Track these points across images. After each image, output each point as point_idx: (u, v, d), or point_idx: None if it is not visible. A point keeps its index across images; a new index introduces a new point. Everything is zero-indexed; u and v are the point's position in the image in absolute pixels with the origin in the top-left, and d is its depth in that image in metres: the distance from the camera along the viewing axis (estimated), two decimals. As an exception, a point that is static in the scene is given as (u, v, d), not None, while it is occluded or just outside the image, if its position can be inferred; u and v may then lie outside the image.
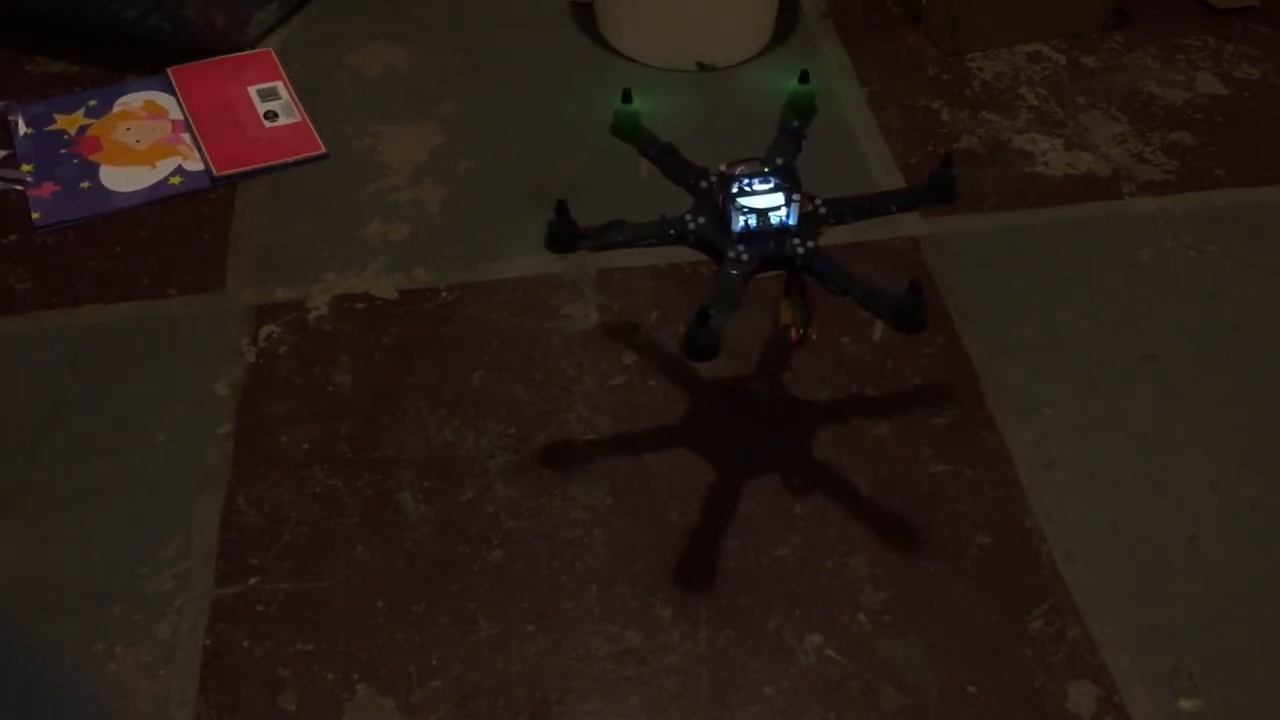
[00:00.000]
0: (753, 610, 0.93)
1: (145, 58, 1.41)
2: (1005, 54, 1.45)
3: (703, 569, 0.95)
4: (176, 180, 1.28)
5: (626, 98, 0.97)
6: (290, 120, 1.34)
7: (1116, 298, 1.17)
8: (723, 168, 0.93)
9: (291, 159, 1.30)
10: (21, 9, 1.43)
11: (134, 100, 1.37)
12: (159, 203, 1.25)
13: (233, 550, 0.96)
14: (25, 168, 1.28)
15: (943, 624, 0.92)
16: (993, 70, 1.43)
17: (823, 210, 0.92)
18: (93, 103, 1.36)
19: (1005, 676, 0.89)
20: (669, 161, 0.97)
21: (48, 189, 1.26)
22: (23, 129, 1.32)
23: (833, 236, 1.11)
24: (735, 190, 0.90)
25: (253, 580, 0.94)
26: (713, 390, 1.08)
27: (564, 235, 0.90)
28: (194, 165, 1.29)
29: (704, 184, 0.93)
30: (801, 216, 0.90)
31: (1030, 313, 1.15)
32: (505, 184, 1.28)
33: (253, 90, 1.37)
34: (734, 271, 0.88)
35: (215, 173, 1.28)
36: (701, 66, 1.42)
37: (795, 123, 0.98)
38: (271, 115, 1.35)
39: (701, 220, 0.91)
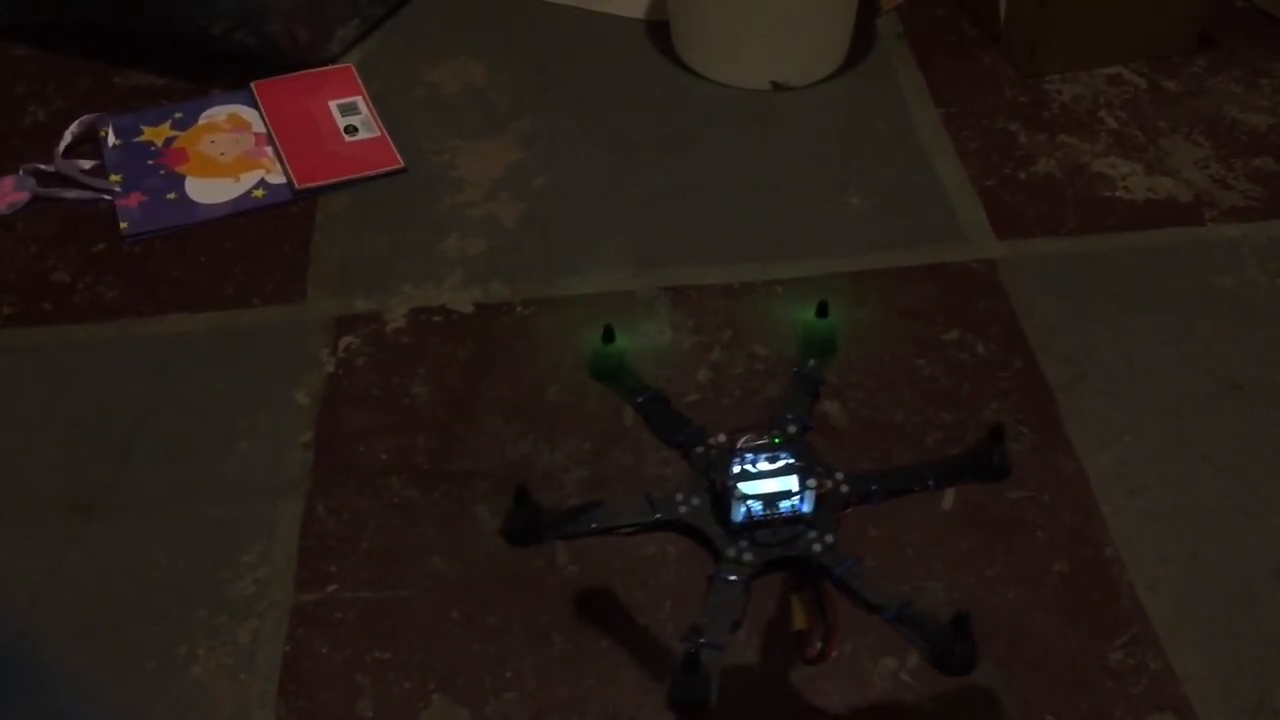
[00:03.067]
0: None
1: (230, 72, 1.44)
2: (1085, 76, 1.44)
3: (776, 589, 0.95)
4: (259, 193, 1.30)
5: (608, 336, 0.83)
6: (370, 135, 1.36)
7: (1199, 325, 1.15)
8: (722, 438, 0.78)
9: (371, 173, 1.32)
10: (112, 24, 1.47)
11: (219, 113, 1.40)
12: (242, 215, 1.28)
13: (312, 557, 0.97)
14: (114, 178, 1.31)
15: (1021, 652, 0.91)
16: (1072, 93, 1.42)
17: (845, 489, 0.78)
18: (179, 115, 1.40)
19: (1084, 708, 0.88)
20: (658, 415, 0.83)
21: (135, 199, 1.29)
22: (112, 140, 1.36)
23: (900, 257, 1.08)
24: (736, 470, 0.75)
25: (331, 587, 0.95)
26: (786, 410, 1.08)
27: (526, 527, 0.76)
28: (276, 178, 1.32)
29: (699, 449, 0.79)
30: (818, 501, 0.75)
31: (1109, 338, 1.14)
32: (581, 201, 1.29)
33: (333, 105, 1.40)
34: (732, 578, 0.73)
35: (297, 186, 1.30)
36: (776, 86, 1.42)
37: (812, 363, 0.84)
38: (351, 130, 1.37)
39: (695, 502, 0.77)
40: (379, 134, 1.36)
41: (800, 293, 1.18)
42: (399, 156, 1.34)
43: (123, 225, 1.26)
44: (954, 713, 0.87)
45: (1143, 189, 1.30)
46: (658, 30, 1.50)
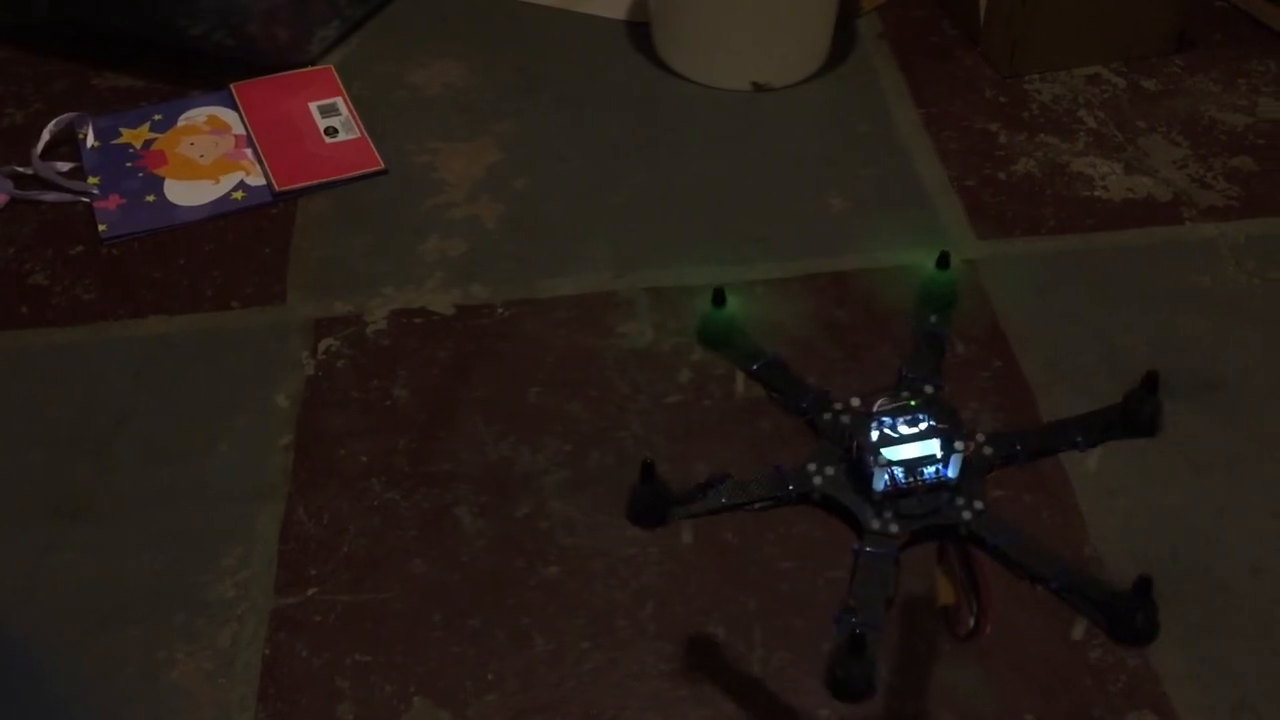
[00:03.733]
0: (807, 631, 0.92)
1: (209, 73, 1.43)
2: (1064, 76, 1.44)
3: (758, 589, 0.95)
4: (239, 195, 1.30)
5: (718, 298, 0.76)
6: (350, 136, 1.36)
7: (1177, 324, 1.16)
8: (856, 402, 0.72)
9: (351, 175, 1.32)
10: (89, 24, 1.47)
11: (198, 115, 1.40)
12: (222, 217, 1.27)
13: (292, 560, 0.97)
14: (92, 180, 1.31)
15: (1001, 651, 0.91)
16: (1051, 93, 1.42)
17: (988, 450, 0.72)
18: (158, 117, 1.39)
19: (1064, 705, 0.88)
20: (777, 381, 0.76)
21: (114, 201, 1.28)
22: (90, 142, 1.35)
23: (877, 257, 1.08)
24: (875, 436, 0.69)
25: (312, 591, 0.95)
26: (768, 410, 1.08)
27: (653, 504, 0.69)
28: (256, 180, 1.31)
29: (826, 416, 0.73)
30: (963, 466, 0.69)
31: (1089, 338, 1.14)
32: (562, 202, 1.29)
33: (314, 106, 1.40)
34: (881, 551, 0.67)
35: (277, 188, 1.30)
36: (757, 87, 1.43)
37: (934, 318, 0.76)
38: (332, 131, 1.36)
39: (829, 471, 0.71)
40: (359, 135, 1.36)
41: (785, 293, 1.18)
42: (379, 158, 1.33)
43: (101, 227, 1.25)
44: (935, 711, 0.88)
45: (1122, 188, 1.30)
46: (639, 31, 1.50)
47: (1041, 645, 0.91)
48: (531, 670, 0.90)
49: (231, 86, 1.41)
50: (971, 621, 0.75)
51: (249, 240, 1.25)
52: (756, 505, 0.71)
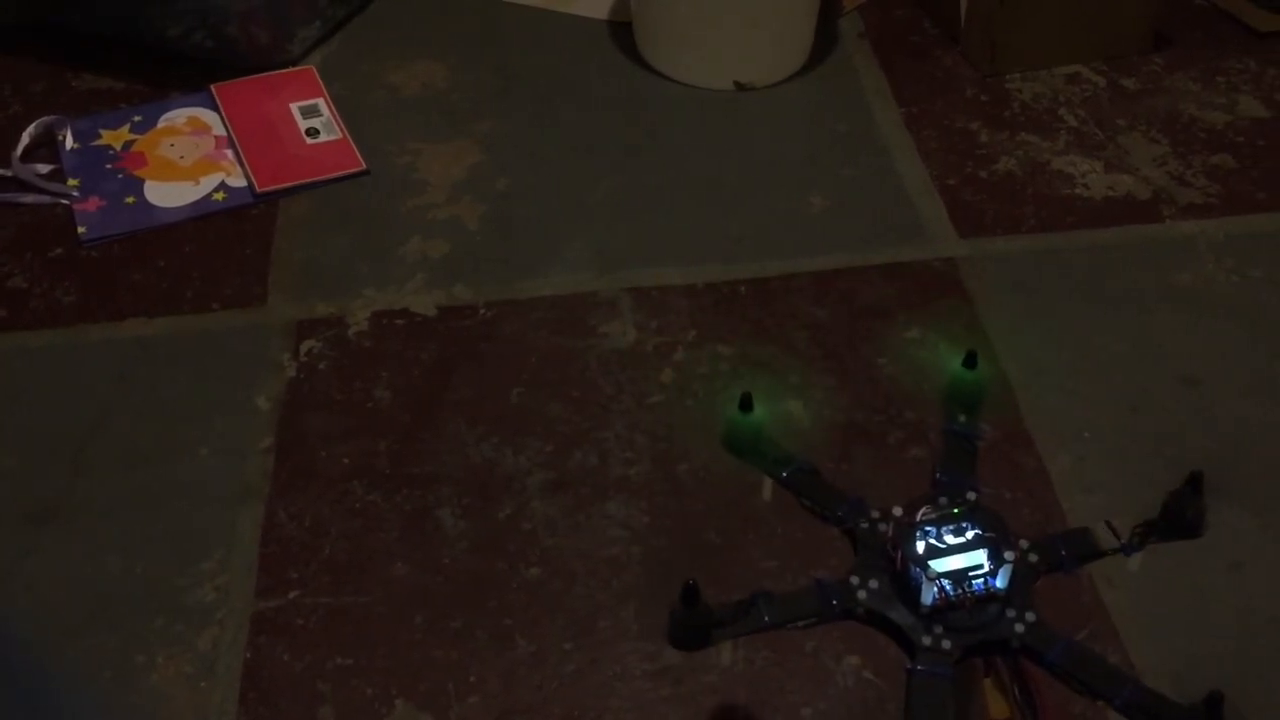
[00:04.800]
0: (791, 631, 0.92)
1: (189, 74, 1.43)
2: (1044, 75, 1.45)
3: (741, 589, 0.95)
4: (220, 196, 1.29)
5: (745, 404, 0.73)
6: (331, 137, 1.36)
7: (1157, 321, 1.16)
8: (898, 512, 0.69)
9: (332, 176, 1.31)
10: (68, 26, 1.46)
11: (178, 116, 1.39)
12: (202, 218, 1.27)
13: (273, 563, 0.97)
14: (71, 182, 1.30)
15: (982, 648, 0.91)
16: (1032, 92, 1.43)
17: (1034, 558, 0.69)
18: (138, 118, 1.38)
19: (1046, 703, 0.88)
20: (809, 488, 0.73)
21: (93, 203, 1.28)
22: (70, 144, 1.34)
23: (858, 256, 1.08)
24: (921, 548, 0.67)
25: (292, 594, 0.95)
26: (750, 410, 1.08)
27: (696, 630, 0.66)
28: (237, 181, 1.31)
29: (864, 524, 0.70)
30: (1012, 575, 0.66)
31: (1069, 335, 1.15)
32: (543, 202, 1.29)
33: (294, 107, 1.39)
34: (937, 670, 0.64)
35: (258, 189, 1.29)
36: (739, 86, 1.43)
37: (962, 418, 0.74)
38: (313, 132, 1.36)
39: (873, 585, 0.68)
40: (340, 136, 1.36)
41: (770, 292, 1.18)
42: (361, 159, 1.33)
43: (80, 229, 1.25)
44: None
45: (1102, 186, 1.31)
46: (620, 31, 1.50)
47: None
48: (513, 672, 0.90)
49: (212, 87, 1.41)
50: None
51: (230, 242, 1.25)
52: (800, 624, 0.69)
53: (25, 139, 1.33)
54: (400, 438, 1.06)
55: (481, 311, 1.17)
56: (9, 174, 1.30)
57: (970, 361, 0.74)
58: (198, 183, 1.30)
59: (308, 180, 1.31)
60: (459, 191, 1.30)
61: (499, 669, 0.90)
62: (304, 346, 1.14)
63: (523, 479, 1.02)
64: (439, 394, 1.09)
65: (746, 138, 1.38)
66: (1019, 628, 0.65)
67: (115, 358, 1.13)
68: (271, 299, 1.18)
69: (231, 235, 1.25)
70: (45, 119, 1.35)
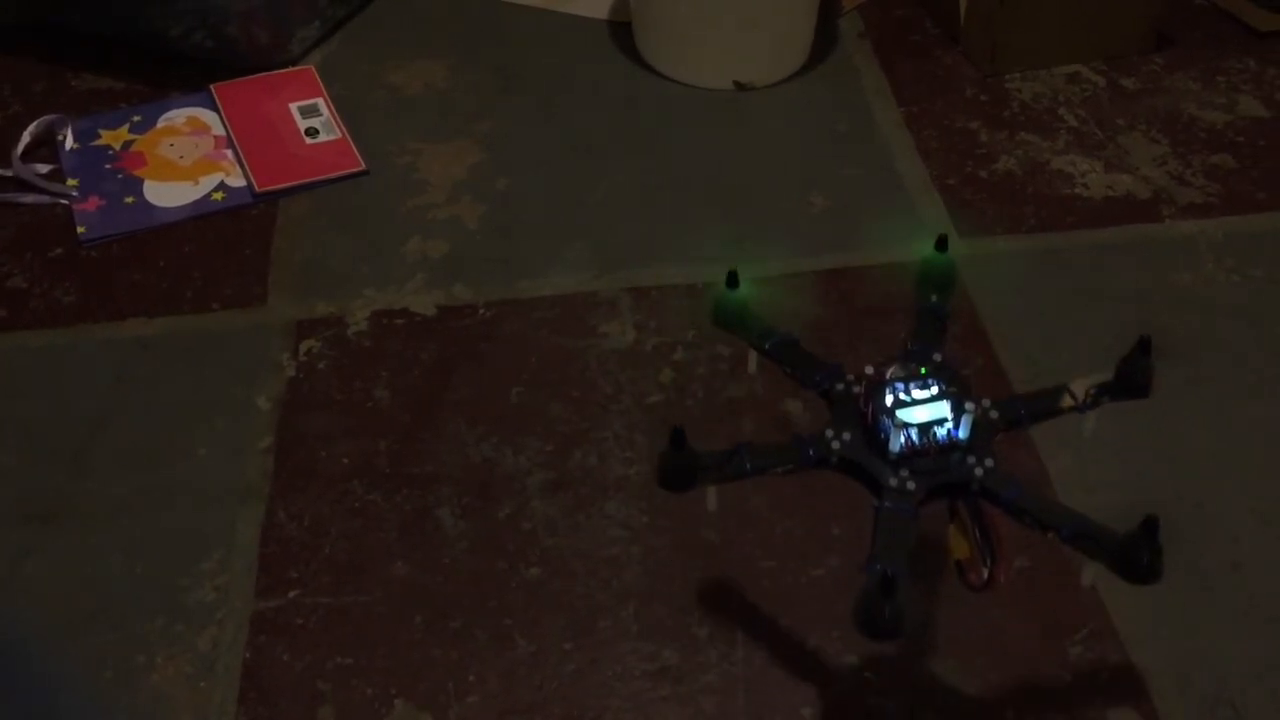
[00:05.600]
0: (790, 630, 0.93)
1: (189, 74, 1.43)
2: (1044, 75, 1.45)
3: (740, 588, 0.95)
4: (219, 196, 1.29)
5: (731, 281, 0.80)
6: (331, 137, 1.35)
7: (1157, 321, 1.16)
8: (869, 370, 0.75)
9: (332, 175, 1.31)
10: (68, 26, 1.46)
11: (177, 116, 1.39)
12: (202, 218, 1.27)
13: (273, 563, 0.96)
14: (71, 182, 1.30)
15: (982, 648, 0.91)
16: (1031, 91, 1.43)
17: (994, 415, 0.76)
18: (137, 118, 1.38)
19: (1045, 702, 0.88)
20: (790, 358, 0.79)
21: (93, 203, 1.28)
22: (69, 144, 1.34)
23: (858, 255, 1.09)
24: (889, 400, 0.73)
25: (292, 593, 0.95)
26: (750, 409, 1.08)
27: (682, 472, 0.73)
28: (236, 181, 1.31)
29: (839, 386, 0.77)
30: (973, 427, 0.73)
31: (1069, 334, 1.15)
32: (543, 202, 1.29)
33: (294, 107, 1.39)
34: (900, 507, 0.71)
35: (257, 189, 1.29)
36: (739, 86, 1.43)
37: (934, 298, 0.81)
38: (312, 132, 1.36)
39: (846, 437, 0.74)
40: (340, 136, 1.36)
41: (770, 292, 1.18)
42: (360, 159, 1.33)
43: (80, 229, 1.25)
44: (915, 709, 0.88)
45: (1102, 186, 1.31)
46: (620, 30, 1.50)
47: (1024, 643, 0.92)
48: (513, 671, 0.90)
49: (211, 87, 1.41)
50: (985, 573, 0.78)
51: (229, 242, 1.25)
52: (779, 470, 0.74)
53: (25, 139, 1.33)
54: (400, 437, 1.06)
55: (481, 311, 1.17)
56: (9, 174, 1.30)
57: (941, 245, 0.80)
58: (197, 183, 1.30)
59: (307, 180, 1.31)
60: (459, 191, 1.30)
61: (499, 669, 0.90)
62: (304, 346, 1.14)
63: (522, 479, 1.02)
64: (439, 394, 1.09)
65: (746, 138, 1.38)
66: (978, 471, 0.71)
67: (115, 358, 1.13)
68: (271, 299, 1.18)
69: (231, 235, 1.25)
70: (45, 119, 1.35)
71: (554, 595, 0.95)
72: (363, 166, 1.32)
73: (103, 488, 1.02)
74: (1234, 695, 0.89)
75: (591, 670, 0.90)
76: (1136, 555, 0.69)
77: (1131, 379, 0.78)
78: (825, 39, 1.49)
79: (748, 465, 0.73)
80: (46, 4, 1.44)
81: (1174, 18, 1.50)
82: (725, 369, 1.11)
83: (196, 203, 1.28)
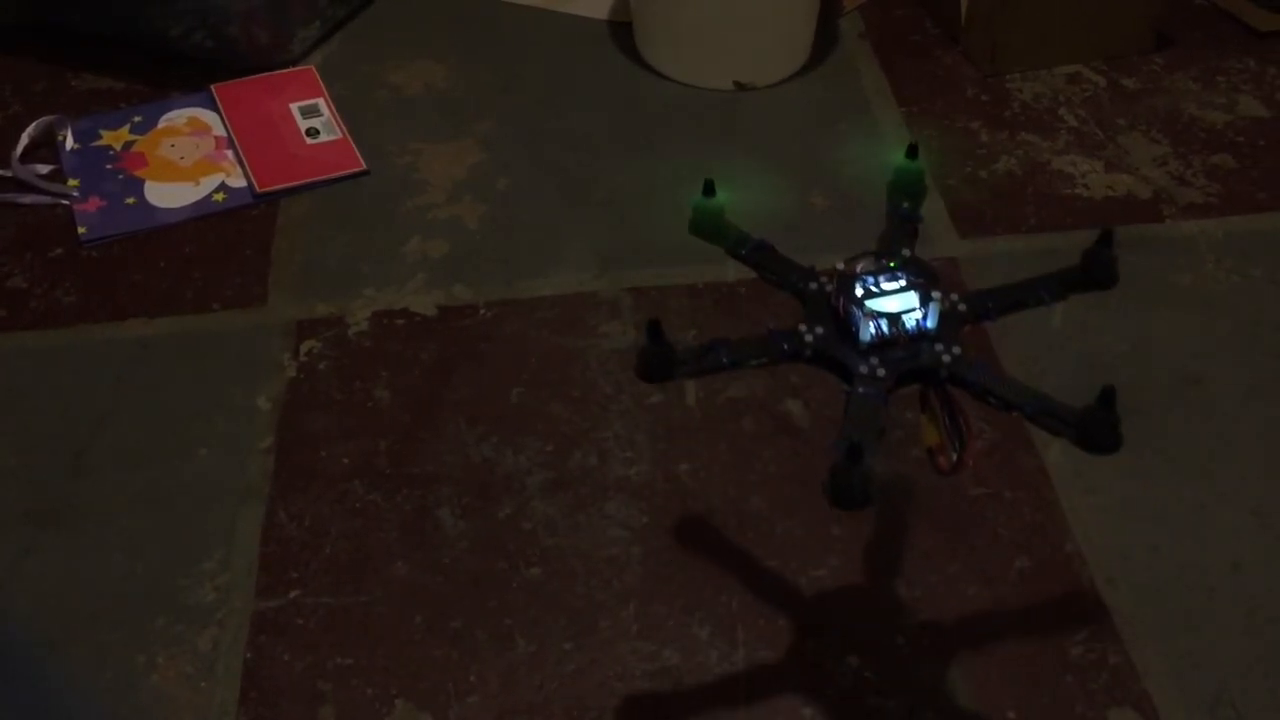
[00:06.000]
0: (790, 630, 0.93)
1: (190, 74, 1.43)
2: (1045, 75, 1.45)
3: (740, 589, 0.95)
4: (220, 196, 1.29)
5: (708, 190, 0.83)
6: (331, 137, 1.36)
7: (1158, 321, 1.16)
8: (840, 265, 0.78)
9: (333, 176, 1.31)
10: (68, 26, 1.46)
11: (178, 117, 1.39)
12: (203, 218, 1.27)
13: (273, 563, 0.97)
14: (71, 183, 1.30)
15: (982, 648, 0.91)
16: (1032, 91, 1.43)
17: (962, 307, 0.78)
18: (138, 119, 1.38)
19: (1045, 702, 0.88)
20: (766, 262, 0.82)
21: (94, 204, 1.28)
22: (70, 144, 1.34)
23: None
24: (860, 292, 0.76)
25: (293, 593, 0.95)
26: (750, 409, 1.08)
27: (660, 363, 0.75)
28: (237, 182, 1.31)
29: (813, 286, 0.80)
30: (941, 317, 0.76)
31: (1069, 335, 1.15)
32: (543, 202, 1.29)
33: (295, 107, 1.39)
34: (871, 392, 0.73)
35: (258, 189, 1.29)
36: (739, 86, 1.43)
37: (905, 205, 0.84)
38: (313, 132, 1.36)
39: (819, 330, 0.76)
40: (341, 136, 1.36)
41: (770, 292, 1.18)
42: (361, 159, 1.33)
43: (81, 230, 1.25)
44: (915, 709, 0.88)
45: (1102, 186, 1.31)
46: (620, 30, 1.50)
47: (1024, 643, 0.92)
48: (513, 671, 0.90)
49: (212, 87, 1.41)
50: (954, 456, 0.80)
51: (230, 242, 1.25)
52: (753, 363, 0.77)
53: (24, 139, 1.33)
54: (400, 437, 1.06)
55: (482, 311, 1.17)
56: (9, 174, 1.30)
57: (912, 153, 0.83)
58: (198, 183, 1.31)
59: (308, 180, 1.31)
60: (459, 191, 1.30)
61: (499, 669, 0.90)
62: (304, 346, 1.14)
63: (523, 478, 1.02)
64: (439, 394, 1.09)
65: (747, 138, 1.38)
66: (946, 358, 0.74)
67: (115, 358, 1.13)
68: (272, 299, 1.18)
69: (232, 235, 1.25)
70: (43, 120, 1.35)
71: (554, 595, 0.95)
72: (363, 167, 1.32)
73: (103, 488, 1.02)
74: (1234, 695, 0.89)
75: (592, 670, 0.90)
76: (1096, 427, 0.72)
77: (1096, 270, 0.80)
78: (825, 39, 1.49)
79: (724, 359, 0.76)
80: (46, 4, 1.44)
81: (1174, 18, 1.50)
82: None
83: (197, 203, 1.28)
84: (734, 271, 1.21)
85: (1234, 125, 1.38)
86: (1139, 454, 1.05)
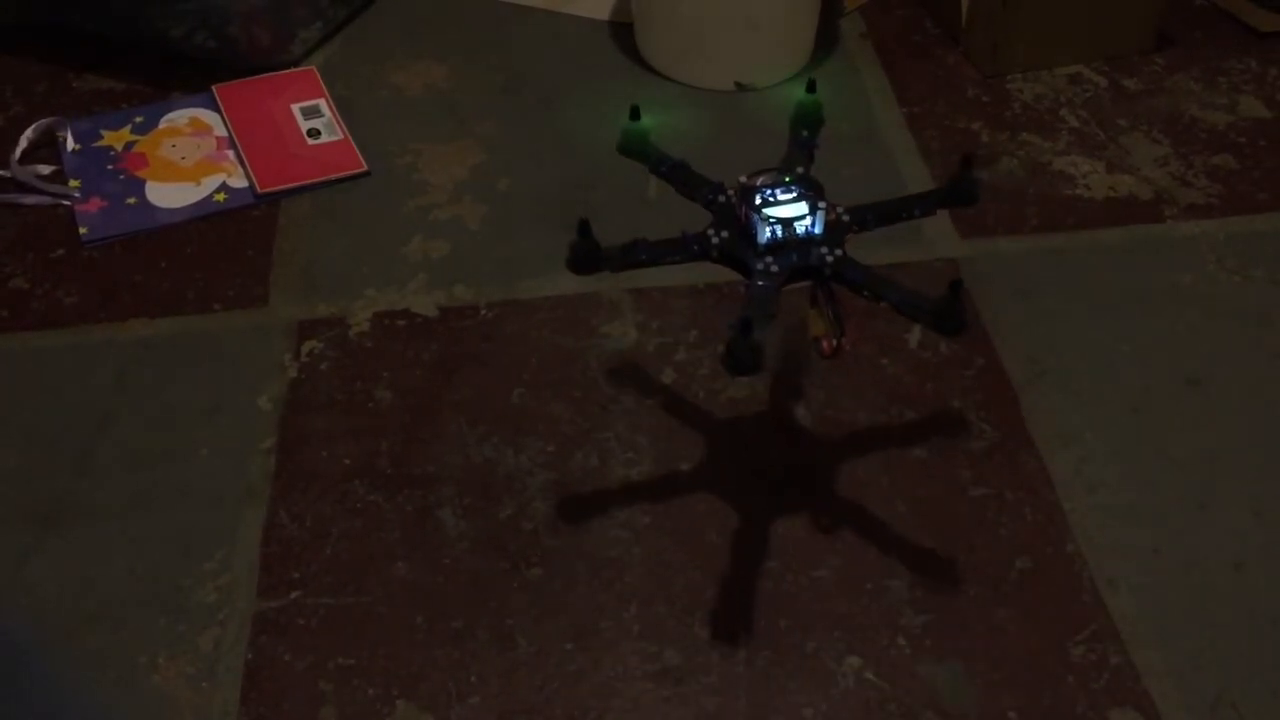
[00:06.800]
0: (791, 631, 0.93)
1: (191, 75, 1.43)
2: (1046, 76, 1.45)
3: (741, 589, 0.95)
4: (221, 197, 1.29)
5: (634, 115, 0.95)
6: (332, 138, 1.36)
7: (1159, 322, 1.16)
8: (743, 179, 0.91)
9: (334, 176, 1.31)
10: (69, 26, 1.46)
11: (179, 117, 1.39)
12: (204, 219, 1.27)
13: (275, 564, 0.97)
14: (73, 183, 1.30)
15: (983, 649, 0.91)
16: (1033, 92, 1.43)
17: (846, 218, 0.90)
18: (139, 119, 1.38)
19: (1046, 703, 0.88)
20: (682, 178, 0.95)
21: (95, 204, 1.28)
22: (71, 145, 1.34)
23: (870, 257, 1.10)
24: (758, 201, 0.89)
25: (294, 594, 0.95)
26: (752, 409, 1.09)
27: (587, 256, 0.88)
28: (238, 182, 1.31)
29: (721, 198, 0.92)
30: (826, 225, 0.88)
31: (1071, 336, 1.15)
32: (545, 202, 1.29)
33: (296, 108, 1.39)
34: (766, 285, 0.86)
35: (259, 190, 1.29)
36: (740, 87, 1.43)
37: (805, 133, 0.97)
38: (314, 133, 1.36)
39: (725, 235, 0.89)
40: (342, 137, 1.36)
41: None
42: (362, 160, 1.33)
43: (82, 230, 1.25)
44: (915, 709, 0.88)
45: (1103, 187, 1.31)
46: (622, 31, 1.50)
47: (1024, 643, 0.92)
48: (514, 672, 0.90)
49: (213, 88, 1.41)
50: (835, 342, 0.94)
51: (231, 242, 1.25)
52: (669, 260, 0.90)
53: (25, 140, 1.33)
54: (401, 438, 1.06)
55: (483, 312, 1.17)
56: (9, 175, 1.30)
57: (811, 88, 0.97)
58: (199, 183, 1.31)
59: (309, 181, 1.31)
60: (460, 191, 1.30)
61: (500, 669, 0.90)
62: (305, 347, 1.14)
63: (524, 479, 1.02)
64: (440, 394, 1.09)
65: (748, 138, 1.37)
66: (830, 259, 0.87)
67: (117, 358, 1.13)
68: (273, 300, 1.18)
69: (233, 236, 1.25)
70: (42, 122, 1.36)
71: (555, 596, 0.95)
72: (364, 167, 1.32)
73: (104, 488, 1.02)
74: (1234, 695, 0.89)
75: (593, 671, 0.90)
76: (946, 312, 0.81)
77: (960, 190, 0.91)
78: (826, 40, 1.49)
79: (643, 255, 0.89)
80: (47, 4, 1.44)
81: (1174, 18, 1.50)
82: (726, 369, 1.11)
83: (198, 203, 1.28)
84: (734, 271, 1.21)
85: (1235, 126, 1.38)
86: (1139, 454, 1.05)
